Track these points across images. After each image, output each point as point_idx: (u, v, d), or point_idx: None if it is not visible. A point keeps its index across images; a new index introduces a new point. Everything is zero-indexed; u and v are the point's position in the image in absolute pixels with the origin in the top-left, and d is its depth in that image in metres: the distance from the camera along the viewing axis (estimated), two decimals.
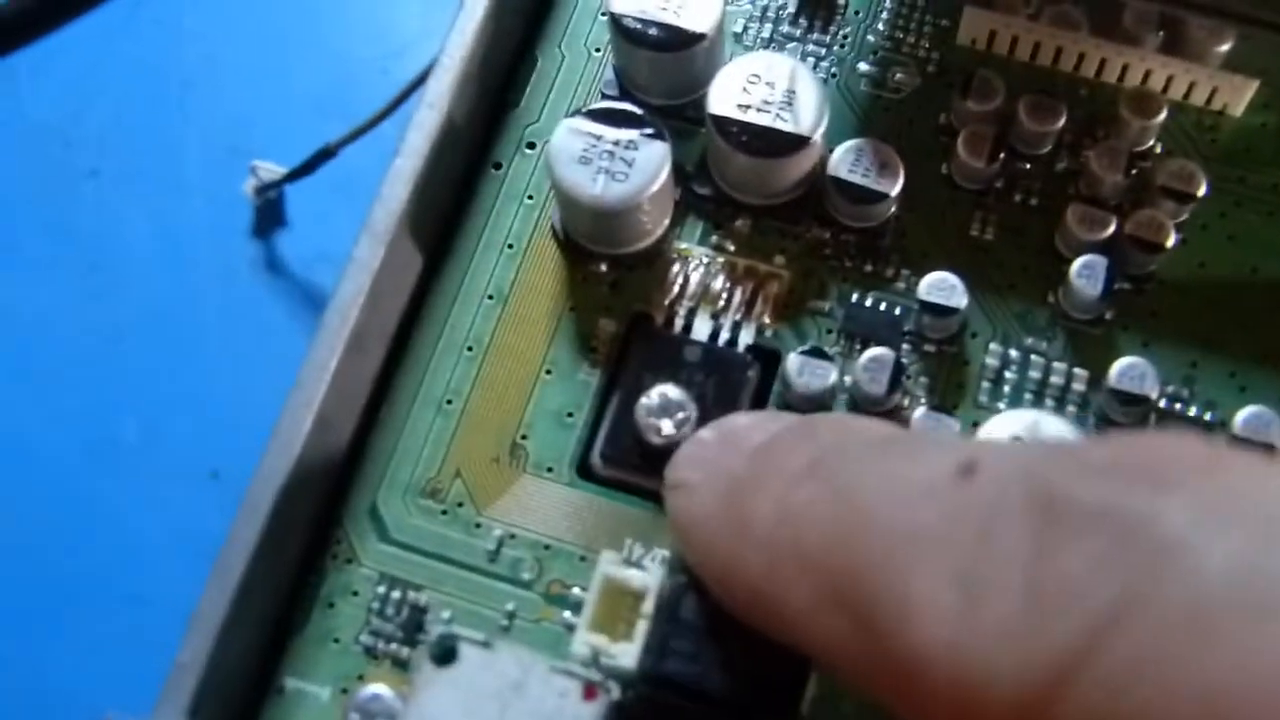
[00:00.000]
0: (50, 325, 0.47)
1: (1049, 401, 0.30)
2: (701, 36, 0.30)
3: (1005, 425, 0.27)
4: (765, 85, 0.30)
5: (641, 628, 0.26)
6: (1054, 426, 0.27)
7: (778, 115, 0.30)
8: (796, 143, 0.30)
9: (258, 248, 0.49)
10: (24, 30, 0.28)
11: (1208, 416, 0.30)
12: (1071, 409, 0.30)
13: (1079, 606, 0.17)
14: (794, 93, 0.30)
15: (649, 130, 0.30)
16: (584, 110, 0.30)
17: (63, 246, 0.48)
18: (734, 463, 0.24)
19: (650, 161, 0.29)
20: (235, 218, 0.49)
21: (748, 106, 0.30)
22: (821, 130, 0.30)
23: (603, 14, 0.33)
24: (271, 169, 0.48)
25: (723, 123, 0.30)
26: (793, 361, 0.29)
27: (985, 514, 0.19)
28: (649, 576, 0.27)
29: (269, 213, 0.49)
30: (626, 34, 0.31)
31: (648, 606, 0.26)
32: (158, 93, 0.50)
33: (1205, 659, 0.16)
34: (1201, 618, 0.16)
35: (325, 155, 0.46)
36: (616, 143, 0.29)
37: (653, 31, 0.30)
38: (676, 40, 0.30)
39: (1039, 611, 0.17)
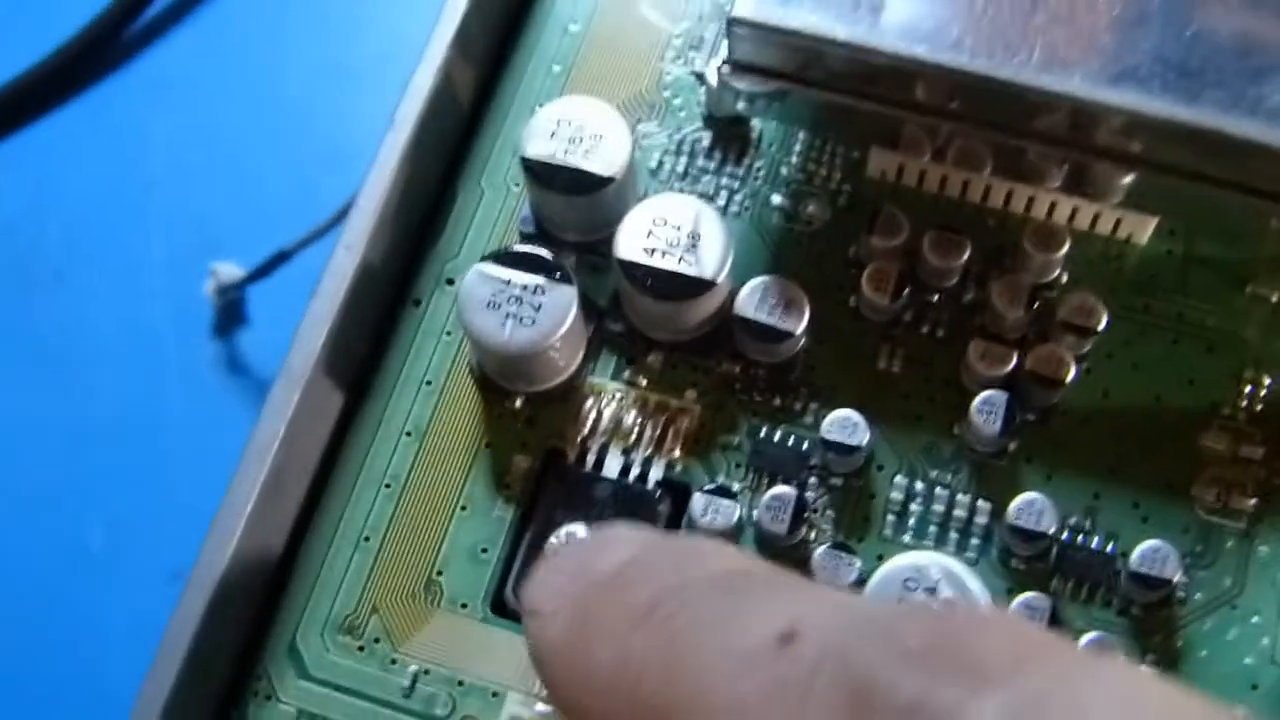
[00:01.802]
0: (12, 428, 0.48)
1: (953, 534, 0.31)
2: (610, 180, 0.31)
3: (899, 566, 0.28)
4: (671, 228, 0.31)
5: None
6: (941, 569, 0.27)
7: (682, 259, 0.30)
8: (701, 286, 0.30)
9: (219, 347, 0.50)
10: None
11: (1108, 549, 0.30)
12: (975, 542, 0.30)
13: None
14: (698, 235, 0.30)
15: (557, 274, 0.30)
16: (494, 255, 0.31)
17: (26, 348, 0.49)
18: (583, 591, 0.24)
19: (557, 306, 0.30)
20: (198, 318, 0.50)
21: (653, 250, 0.30)
22: (725, 272, 0.30)
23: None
24: (231, 270, 0.49)
25: (629, 267, 0.30)
26: (697, 501, 0.30)
27: (800, 693, 0.19)
28: (555, 716, 0.27)
29: (230, 313, 0.50)
30: (538, 177, 0.31)
31: None
32: (122, 193, 0.51)
33: None
34: None
35: (281, 258, 0.47)
36: (525, 288, 0.30)
37: (562, 175, 0.31)
38: (586, 184, 0.31)
39: None
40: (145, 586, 0.46)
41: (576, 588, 0.24)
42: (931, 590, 0.27)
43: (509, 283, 0.30)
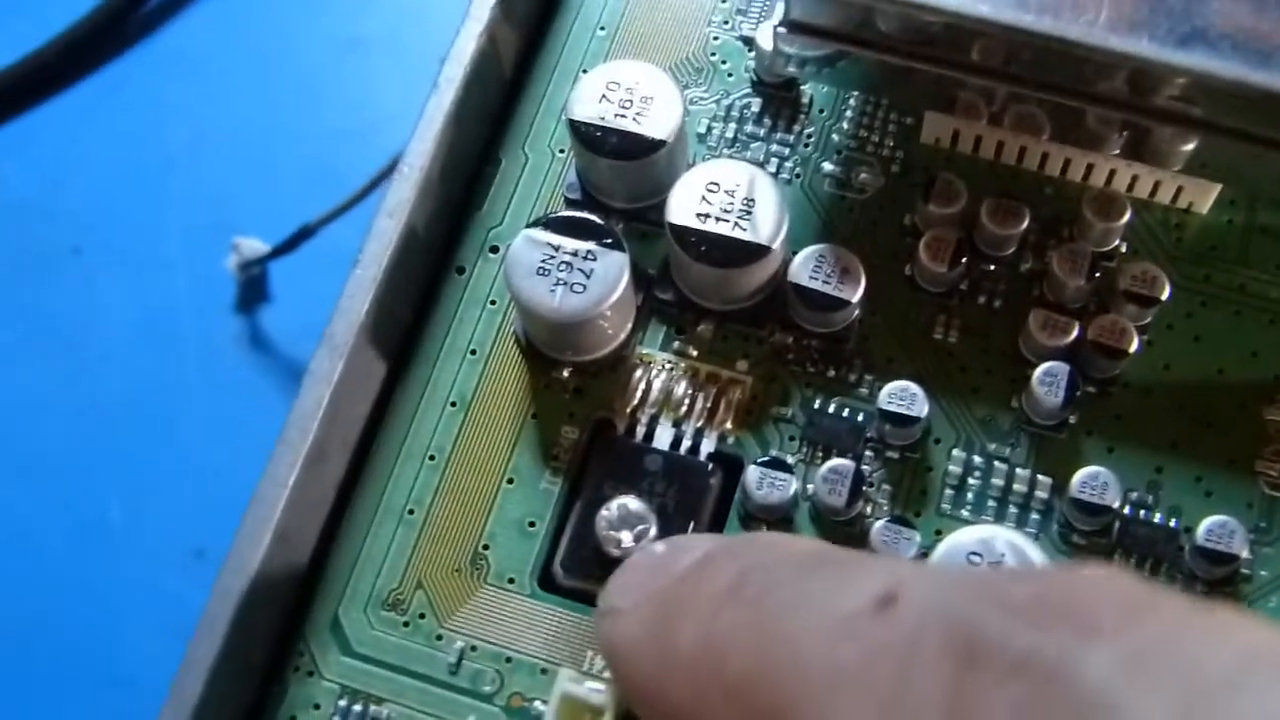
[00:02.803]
0: (32, 405, 0.47)
1: (1012, 509, 0.30)
2: (661, 143, 0.30)
3: (963, 540, 0.27)
4: (724, 193, 0.30)
5: None
6: (1007, 542, 0.26)
7: (736, 224, 0.30)
8: (756, 252, 0.30)
9: (241, 323, 0.49)
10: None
11: (1172, 523, 0.29)
12: (1035, 517, 0.30)
13: None
14: (753, 200, 0.30)
15: (608, 240, 0.30)
16: (543, 220, 0.30)
17: (44, 325, 0.48)
18: (663, 586, 0.24)
19: (609, 272, 0.29)
20: (219, 294, 0.49)
21: (706, 215, 0.30)
22: (781, 238, 0.30)
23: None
24: (254, 245, 0.48)
25: (681, 232, 0.30)
26: (752, 474, 0.29)
27: (903, 654, 0.18)
28: (608, 695, 0.27)
29: (252, 288, 0.49)
30: (586, 141, 0.31)
31: None
32: (140, 169, 0.51)
33: None
34: None
35: (305, 234, 0.47)
36: (575, 253, 0.29)
37: (612, 139, 0.30)
38: (636, 147, 0.30)
39: None
40: (164, 564, 0.45)
41: (655, 583, 0.24)
42: (997, 565, 0.26)
43: (559, 248, 0.30)
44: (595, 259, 0.29)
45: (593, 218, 0.30)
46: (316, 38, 0.53)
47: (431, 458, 0.31)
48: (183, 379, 0.48)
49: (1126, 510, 0.30)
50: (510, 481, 0.30)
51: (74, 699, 0.44)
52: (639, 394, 0.31)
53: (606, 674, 0.29)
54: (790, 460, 0.30)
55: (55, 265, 0.49)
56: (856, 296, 0.30)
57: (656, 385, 0.31)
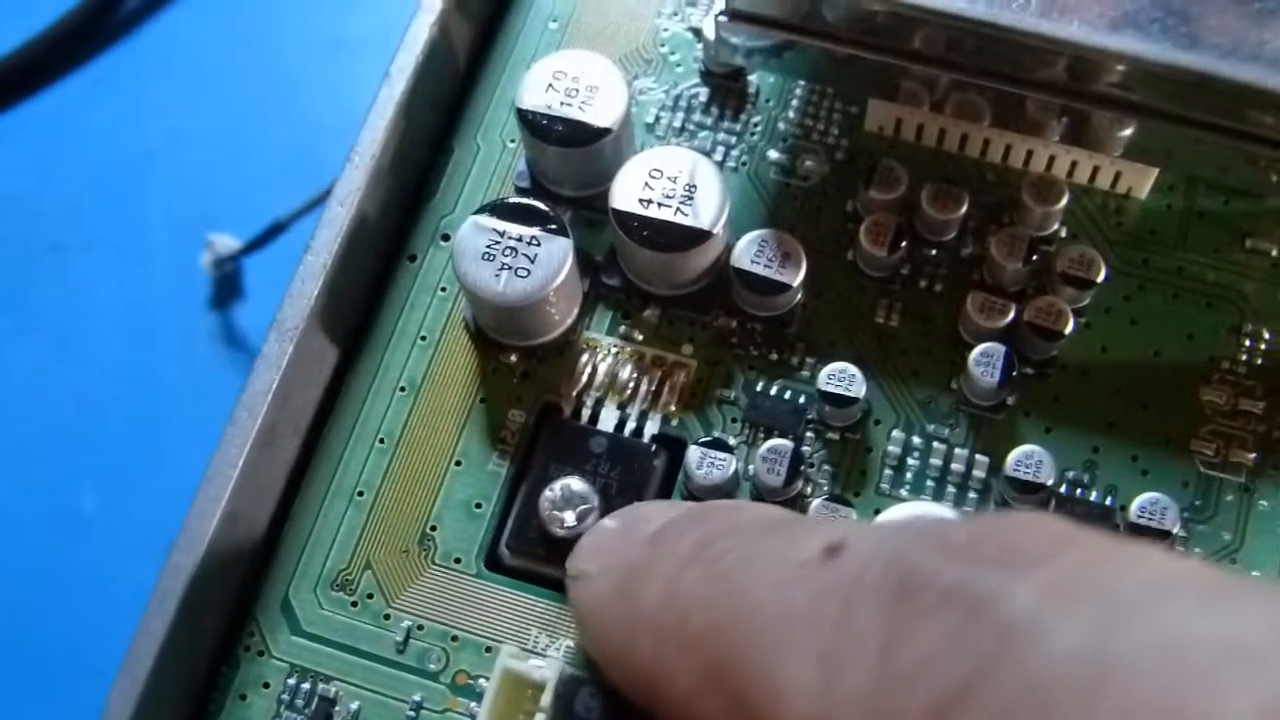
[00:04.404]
0: (10, 396, 0.48)
1: (950, 488, 0.30)
2: (607, 131, 0.31)
3: (896, 517, 0.27)
4: (667, 179, 0.30)
5: None
6: (937, 518, 0.27)
7: (678, 209, 0.30)
8: (697, 236, 0.30)
9: (216, 319, 0.49)
10: None
11: (1108, 501, 0.30)
12: (973, 496, 0.30)
13: (926, 684, 0.18)
14: (694, 186, 0.30)
15: (552, 226, 0.30)
16: (489, 206, 0.30)
17: (24, 318, 0.49)
18: (630, 550, 0.25)
19: (553, 257, 0.30)
20: (196, 289, 0.50)
21: (649, 201, 0.30)
22: (722, 223, 0.30)
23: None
24: (227, 242, 0.48)
25: (624, 217, 0.30)
26: (693, 454, 0.30)
27: (846, 593, 0.20)
28: (549, 669, 0.27)
29: (226, 285, 0.50)
30: (534, 129, 0.31)
31: (546, 699, 0.27)
32: (121, 165, 0.51)
33: None
34: (1042, 701, 0.17)
35: (277, 229, 0.47)
36: (520, 239, 0.30)
37: (559, 127, 0.31)
38: (582, 135, 0.31)
39: (890, 688, 0.18)
40: (139, 555, 0.45)
41: (622, 546, 0.25)
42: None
43: (504, 234, 0.30)
44: (539, 244, 0.30)
45: (538, 204, 0.30)
46: (298, 38, 0.54)
47: (381, 441, 0.31)
48: (160, 373, 0.49)
49: (1063, 489, 0.30)
50: (458, 464, 0.31)
51: (45, 687, 0.44)
52: (585, 377, 0.31)
53: (550, 651, 0.29)
54: (732, 441, 0.30)
55: (36, 260, 0.50)
56: (798, 280, 0.31)
57: (602, 369, 0.31)
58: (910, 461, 0.31)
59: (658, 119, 0.34)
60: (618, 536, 0.26)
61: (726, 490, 0.30)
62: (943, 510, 0.27)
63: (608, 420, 0.31)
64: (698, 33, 0.34)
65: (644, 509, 0.27)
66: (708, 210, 0.30)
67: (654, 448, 0.31)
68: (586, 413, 0.31)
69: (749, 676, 0.20)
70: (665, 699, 0.22)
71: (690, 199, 0.30)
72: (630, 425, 0.31)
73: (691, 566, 0.23)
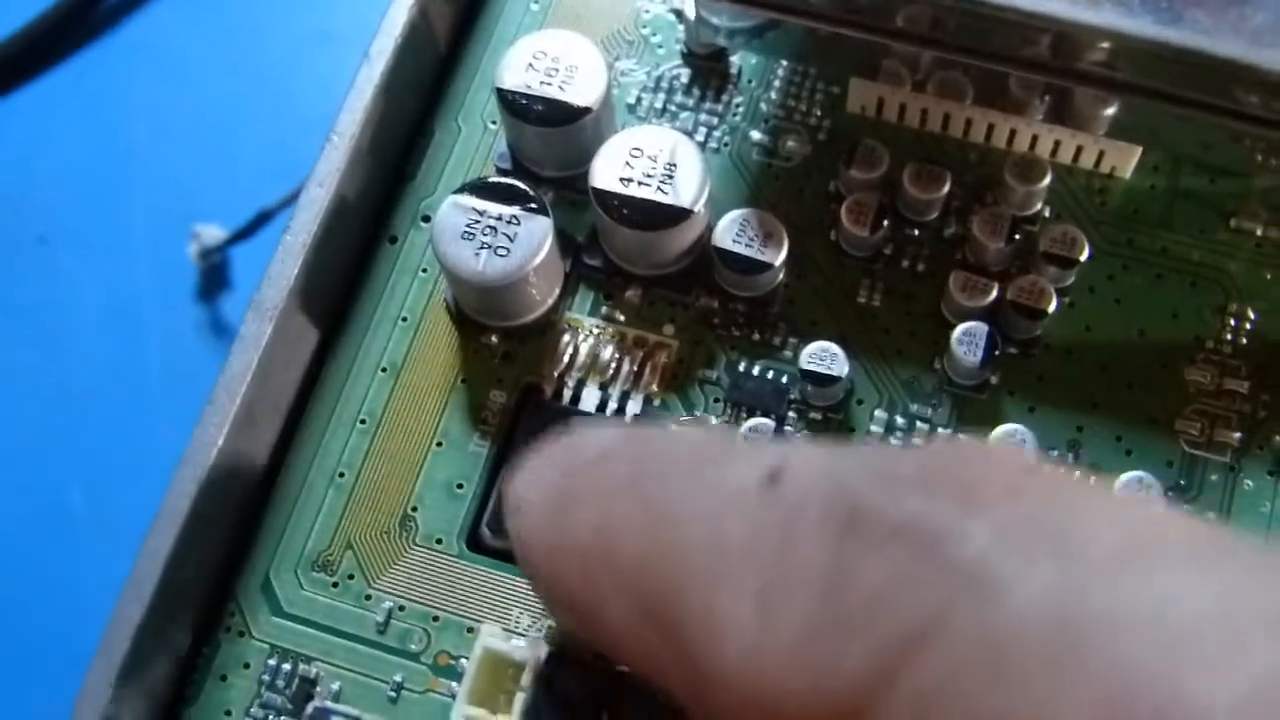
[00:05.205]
0: None
1: None
2: (587, 110, 0.31)
3: None
4: (647, 158, 0.30)
5: (520, 700, 0.26)
6: None
7: (659, 188, 0.30)
8: (678, 215, 0.30)
9: (203, 311, 0.49)
10: None
11: (1092, 481, 0.30)
12: None
13: (873, 627, 0.16)
14: (675, 165, 0.30)
15: (532, 205, 0.30)
16: (468, 185, 0.30)
17: (9, 313, 0.49)
18: (565, 479, 0.23)
19: (533, 236, 0.30)
20: (181, 282, 0.50)
21: (629, 180, 0.30)
22: (703, 202, 0.30)
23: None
24: (214, 232, 0.48)
25: (604, 196, 0.30)
26: None
27: (786, 524, 0.18)
28: (530, 649, 0.27)
29: (213, 276, 0.49)
30: (513, 109, 0.31)
31: (526, 679, 0.26)
32: (105, 159, 0.51)
33: (1003, 697, 0.15)
34: (1004, 658, 0.15)
35: (264, 219, 0.47)
36: (499, 218, 0.30)
37: (538, 107, 0.31)
38: (562, 115, 0.31)
39: (833, 629, 0.17)
40: (124, 549, 0.45)
41: (558, 476, 0.23)
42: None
43: (483, 213, 0.30)
44: (519, 223, 0.30)
45: (517, 183, 0.30)
46: (282, 31, 0.53)
47: (362, 422, 0.31)
48: (146, 366, 0.48)
49: None
50: (440, 445, 0.31)
51: (32, 680, 0.44)
52: (567, 358, 0.31)
53: (532, 631, 0.29)
54: (715, 421, 0.30)
55: (21, 253, 0.50)
56: (779, 259, 0.31)
57: (584, 349, 0.31)
58: (893, 441, 0.30)
59: (639, 100, 0.34)
60: (555, 465, 0.24)
61: None
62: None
63: (589, 401, 0.31)
64: (679, 14, 0.34)
65: (583, 437, 0.25)
66: (688, 189, 0.30)
67: None
68: (568, 393, 0.31)
69: (682, 609, 0.19)
70: (599, 630, 0.21)
71: (670, 178, 0.30)
72: (612, 406, 0.31)
73: (621, 497, 0.21)
